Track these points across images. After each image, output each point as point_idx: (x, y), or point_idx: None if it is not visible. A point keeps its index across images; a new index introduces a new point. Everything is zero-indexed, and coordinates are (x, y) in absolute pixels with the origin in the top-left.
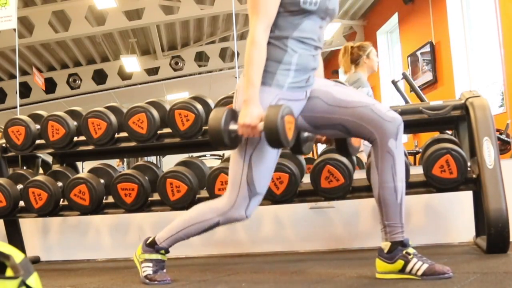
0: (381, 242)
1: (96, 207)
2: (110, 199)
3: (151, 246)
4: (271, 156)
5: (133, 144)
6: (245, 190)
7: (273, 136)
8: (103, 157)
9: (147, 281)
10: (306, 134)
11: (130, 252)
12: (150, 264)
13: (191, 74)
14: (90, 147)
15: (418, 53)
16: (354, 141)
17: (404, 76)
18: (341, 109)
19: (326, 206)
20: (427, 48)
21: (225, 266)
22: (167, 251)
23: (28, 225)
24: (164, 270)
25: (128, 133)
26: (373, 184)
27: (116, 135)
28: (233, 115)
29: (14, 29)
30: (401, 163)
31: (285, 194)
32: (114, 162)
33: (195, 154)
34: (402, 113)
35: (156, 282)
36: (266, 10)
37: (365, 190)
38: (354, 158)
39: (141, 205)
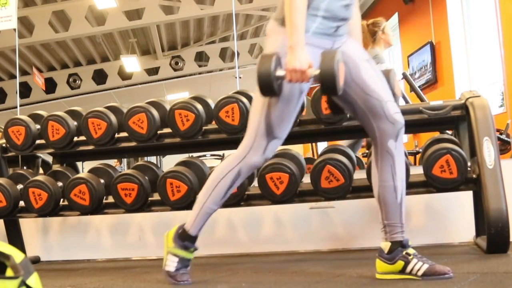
0: (381, 242)
1: (96, 207)
2: (110, 199)
3: (182, 238)
4: (293, 99)
5: (133, 144)
6: (263, 131)
7: (330, 82)
8: (103, 157)
9: (168, 277)
10: None
11: (130, 252)
12: (176, 260)
13: (191, 74)
14: (90, 147)
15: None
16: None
17: (404, 76)
18: (359, 90)
19: (326, 206)
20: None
21: (225, 266)
22: (195, 248)
23: (28, 225)
24: (188, 268)
25: (128, 133)
26: (373, 183)
27: (116, 135)
28: (279, 62)
29: (14, 29)
30: (401, 163)
31: (285, 194)
32: (112, 163)
33: (195, 154)
34: (402, 113)
35: (174, 281)
36: None
37: (365, 190)
38: (354, 158)
39: (141, 205)
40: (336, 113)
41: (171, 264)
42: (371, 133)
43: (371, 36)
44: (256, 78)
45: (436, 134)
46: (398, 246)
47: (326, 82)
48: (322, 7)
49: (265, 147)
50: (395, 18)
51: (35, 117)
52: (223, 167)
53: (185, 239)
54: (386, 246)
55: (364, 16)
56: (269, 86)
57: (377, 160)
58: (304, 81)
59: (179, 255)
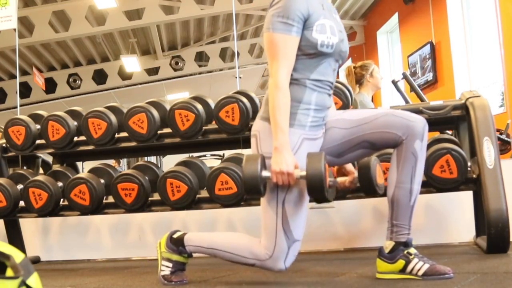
0: (385, 240)
1: (96, 207)
2: (110, 199)
3: (176, 244)
4: (304, 199)
5: (133, 144)
6: (283, 240)
7: (317, 184)
8: (103, 157)
9: (164, 281)
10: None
11: (130, 252)
12: (170, 265)
13: (191, 74)
14: (90, 147)
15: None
16: (379, 178)
17: (404, 76)
18: (362, 126)
19: (326, 206)
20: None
21: (225, 266)
22: (190, 255)
23: (28, 225)
24: (184, 272)
25: (128, 133)
26: (389, 183)
27: (116, 135)
28: (264, 163)
29: (14, 29)
30: (421, 167)
31: None
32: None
33: (195, 154)
34: None
35: (172, 282)
36: (286, 54)
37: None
38: None
39: (141, 205)
40: (374, 194)
41: (165, 269)
42: (397, 142)
43: (357, 80)
44: (242, 180)
45: (436, 134)
46: (401, 245)
47: (313, 184)
48: (313, 101)
49: (286, 255)
50: (395, 18)
51: (35, 117)
52: (243, 250)
53: (180, 246)
54: (389, 245)
55: (365, 16)
56: (256, 188)
57: (398, 161)
58: (291, 183)
59: (173, 260)
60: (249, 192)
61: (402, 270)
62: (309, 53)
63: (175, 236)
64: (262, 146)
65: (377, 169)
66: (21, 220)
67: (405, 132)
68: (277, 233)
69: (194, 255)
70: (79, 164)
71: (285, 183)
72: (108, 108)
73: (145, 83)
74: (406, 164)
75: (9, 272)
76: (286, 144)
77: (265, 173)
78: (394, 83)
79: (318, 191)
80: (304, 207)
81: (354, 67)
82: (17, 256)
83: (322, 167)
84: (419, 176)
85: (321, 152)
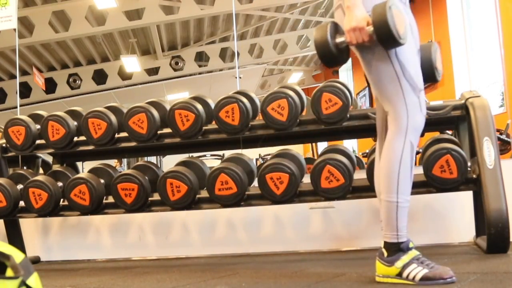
0: (381, 241)
1: (96, 207)
2: (110, 199)
3: (394, 252)
4: (412, 45)
5: (133, 144)
6: (409, 90)
7: (384, 30)
8: (103, 157)
9: (429, 281)
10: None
11: (130, 252)
12: (415, 265)
13: (191, 74)
14: (90, 147)
15: None
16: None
17: None
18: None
19: (326, 206)
20: None
21: (225, 266)
22: (410, 242)
23: (28, 225)
24: (424, 258)
25: (128, 133)
26: (376, 182)
27: (116, 135)
28: (337, 29)
29: (14, 29)
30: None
31: (285, 194)
32: (112, 163)
33: (195, 154)
34: None
35: (441, 280)
36: None
37: (365, 190)
38: (354, 158)
39: (141, 205)
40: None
41: (416, 271)
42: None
43: None
44: (316, 51)
45: (436, 134)
46: (398, 247)
47: (382, 33)
48: None
49: (419, 103)
50: None
51: (35, 117)
52: (393, 152)
53: (399, 250)
54: (385, 244)
55: None
56: (330, 55)
57: (381, 152)
58: (364, 39)
59: (411, 258)
60: (323, 58)
61: (399, 275)
62: None
63: (386, 255)
64: (338, 13)
65: (395, 15)
66: (21, 220)
67: (392, 118)
68: (402, 85)
69: (194, 255)
70: (79, 164)
71: (358, 41)
72: (108, 108)
73: (145, 83)
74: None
75: (9, 272)
76: (357, 2)
77: (339, 38)
78: None
79: (388, 38)
80: (415, 53)
81: None
82: (17, 256)
83: (386, 10)
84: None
85: (386, 1)
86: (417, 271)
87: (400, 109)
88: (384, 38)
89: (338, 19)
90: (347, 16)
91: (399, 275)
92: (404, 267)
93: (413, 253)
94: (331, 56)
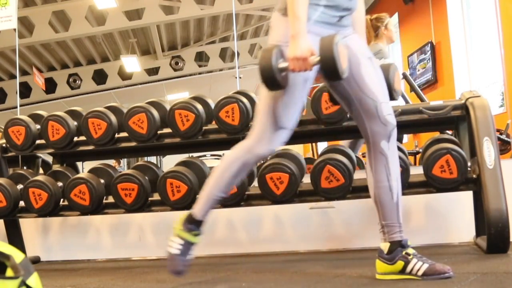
0: (380, 242)
1: (96, 207)
2: (110, 199)
3: (188, 221)
4: (297, 87)
5: (133, 144)
6: (269, 122)
7: (330, 66)
8: (103, 157)
9: (169, 260)
10: None
11: (130, 252)
12: (181, 242)
13: (191, 74)
14: (90, 147)
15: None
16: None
17: (404, 76)
18: (356, 87)
19: (326, 206)
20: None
21: (225, 266)
22: (199, 233)
23: (28, 225)
24: (189, 257)
25: (128, 133)
26: (369, 184)
27: (116, 135)
28: (282, 54)
29: (14, 29)
30: (394, 163)
31: (285, 194)
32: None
33: (195, 154)
34: (402, 113)
35: (172, 264)
36: None
37: (365, 190)
38: (354, 158)
39: (141, 205)
40: (336, 103)
41: (174, 246)
42: (364, 133)
43: (373, 31)
44: (259, 73)
45: (436, 134)
46: (398, 246)
47: (327, 67)
48: None
49: (272, 138)
50: (395, 18)
51: (35, 117)
52: (229, 157)
53: (191, 222)
54: (385, 246)
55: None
56: (272, 79)
57: (371, 161)
58: (307, 69)
59: (184, 238)
60: (267, 84)
61: (402, 271)
62: None
63: (188, 216)
64: (273, 35)
65: (340, 51)
66: (21, 220)
67: (373, 130)
68: (264, 116)
69: (194, 255)
70: (79, 164)
71: (301, 69)
72: (108, 108)
73: (145, 83)
74: (378, 163)
75: (9, 272)
76: (302, 32)
77: (281, 64)
78: None
79: (333, 73)
80: (296, 94)
81: (370, 19)
82: (17, 256)
83: (334, 48)
84: (395, 173)
85: (335, 34)
86: (419, 266)
87: (255, 131)
88: (328, 71)
89: (274, 22)
90: (291, 45)
91: (402, 271)
92: (407, 262)
93: (411, 250)
94: (273, 81)
